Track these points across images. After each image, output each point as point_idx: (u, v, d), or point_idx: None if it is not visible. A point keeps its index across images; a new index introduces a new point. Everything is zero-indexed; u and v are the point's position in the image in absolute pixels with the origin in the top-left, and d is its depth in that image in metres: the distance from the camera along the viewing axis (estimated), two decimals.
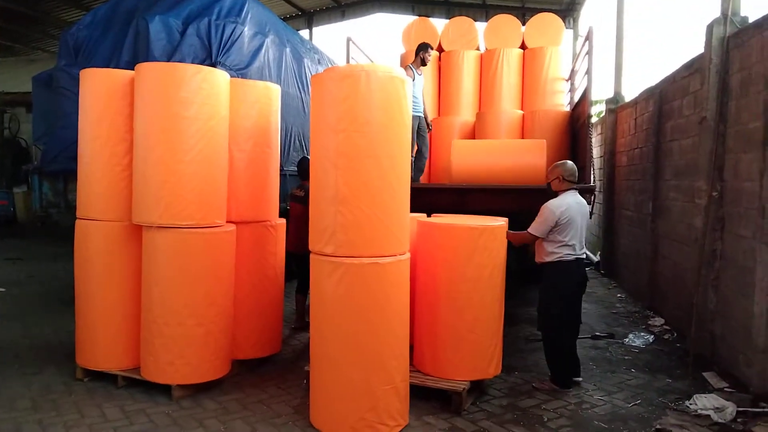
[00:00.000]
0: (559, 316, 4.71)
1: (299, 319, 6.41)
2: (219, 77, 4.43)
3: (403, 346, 3.91)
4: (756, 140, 4.58)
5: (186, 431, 3.86)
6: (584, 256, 4.90)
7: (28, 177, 9.02)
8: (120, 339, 4.60)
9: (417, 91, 7.28)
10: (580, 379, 4.92)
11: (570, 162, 4.91)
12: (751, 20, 5.04)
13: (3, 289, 8.31)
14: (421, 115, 7.38)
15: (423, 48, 7.51)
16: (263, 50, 7.81)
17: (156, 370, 4.38)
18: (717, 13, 5.34)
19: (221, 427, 3.93)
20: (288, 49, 8.81)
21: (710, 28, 5.36)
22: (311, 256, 3.93)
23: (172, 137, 4.20)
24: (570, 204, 4.65)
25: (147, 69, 4.36)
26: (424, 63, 7.51)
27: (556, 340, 4.76)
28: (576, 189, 4.82)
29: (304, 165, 6.20)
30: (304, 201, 5.91)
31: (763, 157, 4.43)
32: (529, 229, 4.69)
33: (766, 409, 4.18)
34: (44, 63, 16.46)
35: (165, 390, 4.39)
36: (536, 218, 4.67)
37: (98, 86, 4.57)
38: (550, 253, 4.67)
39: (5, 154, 16.37)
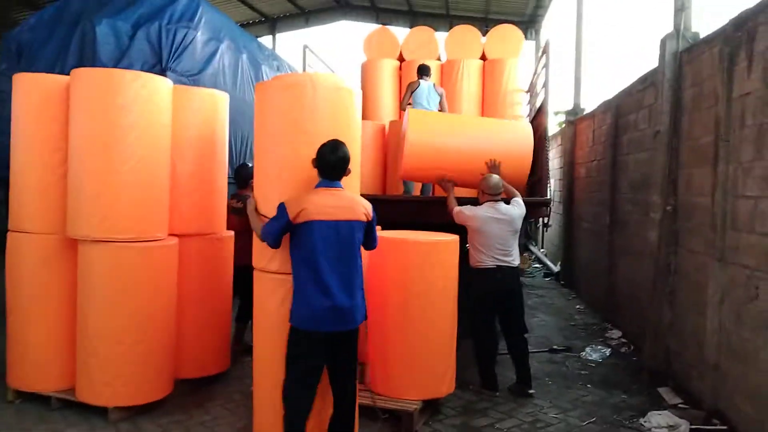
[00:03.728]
0: (478, 320, 4.93)
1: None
2: (160, 83, 4.23)
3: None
4: (708, 155, 4.58)
5: None
6: (509, 264, 4.92)
7: None
8: (54, 358, 4.33)
9: (421, 99, 7.32)
10: (533, 391, 4.92)
11: (494, 177, 5.09)
12: (702, 36, 5.07)
13: None
14: None
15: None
16: (217, 56, 7.61)
17: (92, 392, 4.14)
18: (670, 28, 5.36)
19: None
20: (245, 56, 8.62)
21: (663, 43, 5.38)
22: (255, 273, 3.75)
23: (109, 146, 3.99)
24: (480, 215, 4.89)
25: (82, 74, 4.14)
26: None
27: (477, 343, 4.97)
28: (498, 200, 4.99)
29: (242, 172, 5.77)
30: (242, 212, 5.64)
31: (714, 172, 4.43)
32: (457, 206, 5.04)
33: (718, 426, 4.15)
34: None
35: (103, 411, 4.14)
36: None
37: (31, 92, 4.32)
38: (472, 258, 4.95)
39: None
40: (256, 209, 3.62)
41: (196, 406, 4.47)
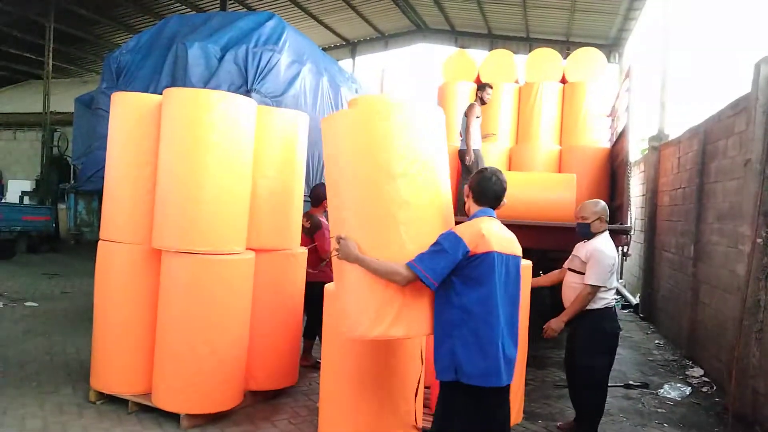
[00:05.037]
0: (604, 367, 4.30)
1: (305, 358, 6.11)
2: (245, 104, 4.42)
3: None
4: None
5: None
6: None
7: (65, 195, 9.22)
8: (134, 363, 4.54)
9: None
10: None
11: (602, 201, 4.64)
12: None
13: (36, 304, 8.46)
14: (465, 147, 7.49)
15: (481, 88, 7.97)
16: (300, 78, 7.83)
17: (166, 397, 4.31)
18: (766, 51, 5.11)
19: None
20: (325, 78, 8.84)
21: (758, 67, 5.12)
22: (326, 290, 3.81)
23: (194, 162, 4.19)
24: (613, 250, 4.34)
25: (174, 94, 4.38)
26: (483, 102, 7.83)
27: (601, 394, 4.32)
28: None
29: (318, 192, 5.80)
30: (310, 233, 5.63)
31: None
32: (590, 283, 4.15)
33: None
34: (96, 85, 17.06)
35: (175, 418, 4.31)
36: (591, 267, 4.17)
37: (127, 109, 4.62)
38: (599, 299, 4.23)
39: (52, 172, 16.89)
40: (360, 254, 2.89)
41: (263, 419, 4.56)
